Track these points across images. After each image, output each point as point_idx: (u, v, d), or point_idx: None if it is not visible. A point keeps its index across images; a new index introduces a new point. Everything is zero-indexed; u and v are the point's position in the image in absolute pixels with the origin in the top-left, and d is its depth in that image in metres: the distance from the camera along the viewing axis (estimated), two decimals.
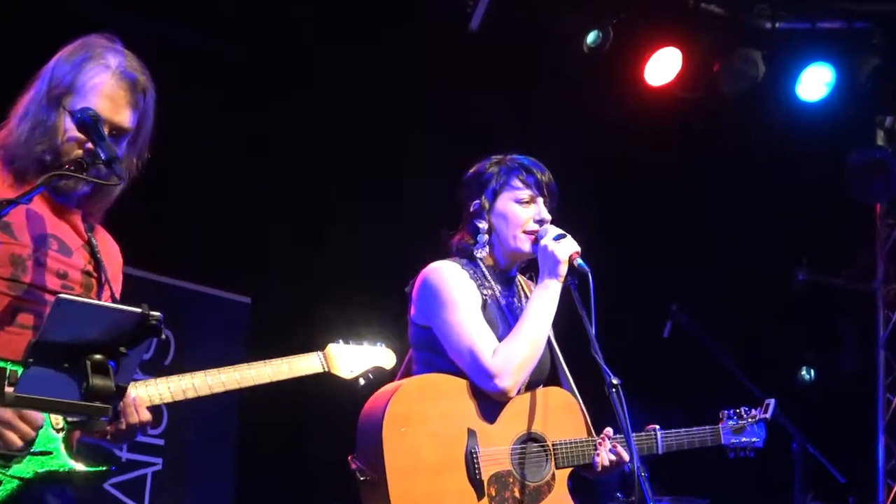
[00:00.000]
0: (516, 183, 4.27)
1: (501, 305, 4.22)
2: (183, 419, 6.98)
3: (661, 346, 7.46)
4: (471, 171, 4.36)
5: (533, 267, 4.27)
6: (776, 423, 5.74)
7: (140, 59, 3.56)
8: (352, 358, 4.18)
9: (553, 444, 4.09)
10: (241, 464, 7.32)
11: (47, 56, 3.54)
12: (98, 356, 2.68)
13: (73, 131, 3.39)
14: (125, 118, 3.47)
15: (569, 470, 4.12)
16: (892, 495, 8.54)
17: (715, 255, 8.63)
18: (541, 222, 4.23)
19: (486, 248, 4.26)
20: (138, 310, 2.70)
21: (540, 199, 4.26)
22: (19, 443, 3.19)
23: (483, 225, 4.26)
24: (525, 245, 4.22)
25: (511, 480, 4.00)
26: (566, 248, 4.12)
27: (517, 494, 4.00)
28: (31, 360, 2.64)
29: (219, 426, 7.17)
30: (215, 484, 7.24)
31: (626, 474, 4.20)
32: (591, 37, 7.59)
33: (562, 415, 4.16)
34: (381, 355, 4.31)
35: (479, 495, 3.93)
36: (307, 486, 7.31)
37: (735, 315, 8.45)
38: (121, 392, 2.71)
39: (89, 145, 3.34)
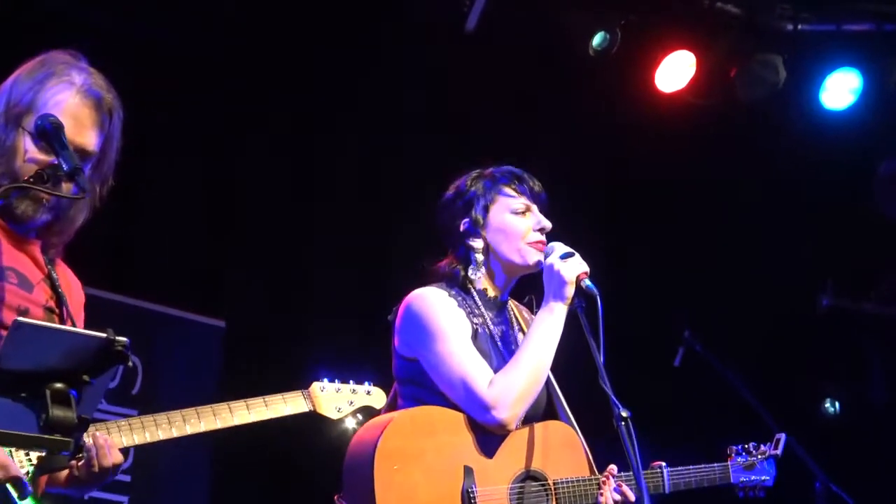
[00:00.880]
0: (508, 192, 4.27)
1: (493, 335, 4.21)
2: (152, 453, 6.95)
3: (672, 375, 7.46)
4: (449, 191, 4.35)
5: (530, 287, 4.27)
6: (796, 461, 5.74)
7: (104, 74, 3.56)
8: (339, 397, 4.18)
9: (554, 483, 4.10)
10: (216, 501, 7.29)
11: (13, 60, 3.54)
12: (59, 385, 2.68)
13: (34, 152, 3.38)
14: (90, 140, 3.47)
15: None
16: None
17: (731, 277, 8.63)
18: (542, 230, 4.23)
19: (482, 269, 4.25)
20: (102, 334, 2.70)
21: (535, 207, 4.27)
22: None
23: (478, 243, 4.24)
24: (532, 257, 4.21)
25: None
26: (573, 268, 4.12)
27: None
28: None
29: (191, 460, 7.13)
30: None
31: None
32: (596, 39, 7.59)
33: (563, 451, 4.16)
34: (370, 395, 4.30)
35: None
36: None
37: (753, 342, 8.44)
38: (84, 424, 2.71)
39: (54, 160, 3.33)
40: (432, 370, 4.07)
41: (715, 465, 4.60)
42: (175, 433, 3.69)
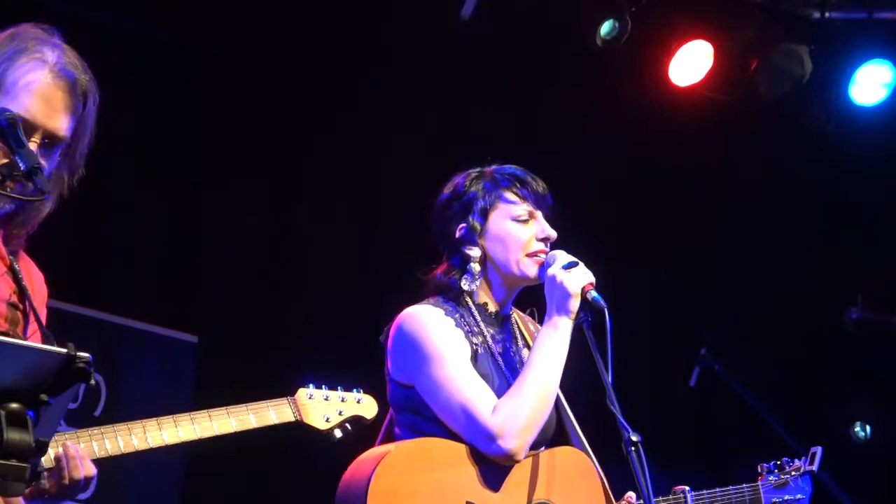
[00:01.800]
0: (510, 197, 4.24)
1: (495, 354, 4.18)
2: (116, 469, 6.91)
3: (688, 396, 7.46)
4: (446, 191, 4.32)
5: (531, 297, 4.26)
6: (825, 489, 5.73)
7: (80, 54, 3.55)
8: (327, 405, 4.11)
9: None
10: None
11: None
12: (14, 405, 2.67)
13: None
14: (61, 124, 3.45)
15: None
16: None
17: (751, 288, 8.63)
18: (545, 240, 4.21)
19: (479, 280, 4.22)
20: (63, 350, 2.69)
21: (539, 214, 4.24)
22: None
23: (474, 252, 4.21)
24: (531, 270, 4.19)
25: None
26: (578, 279, 4.11)
27: None
28: None
29: (161, 480, 7.11)
30: None
31: None
32: (605, 28, 7.59)
33: (575, 480, 4.12)
34: (360, 403, 4.21)
35: None
36: None
37: (776, 361, 8.45)
38: (42, 448, 2.70)
39: (12, 157, 3.32)
40: (430, 397, 4.04)
41: (744, 486, 4.57)
42: (151, 443, 3.68)
